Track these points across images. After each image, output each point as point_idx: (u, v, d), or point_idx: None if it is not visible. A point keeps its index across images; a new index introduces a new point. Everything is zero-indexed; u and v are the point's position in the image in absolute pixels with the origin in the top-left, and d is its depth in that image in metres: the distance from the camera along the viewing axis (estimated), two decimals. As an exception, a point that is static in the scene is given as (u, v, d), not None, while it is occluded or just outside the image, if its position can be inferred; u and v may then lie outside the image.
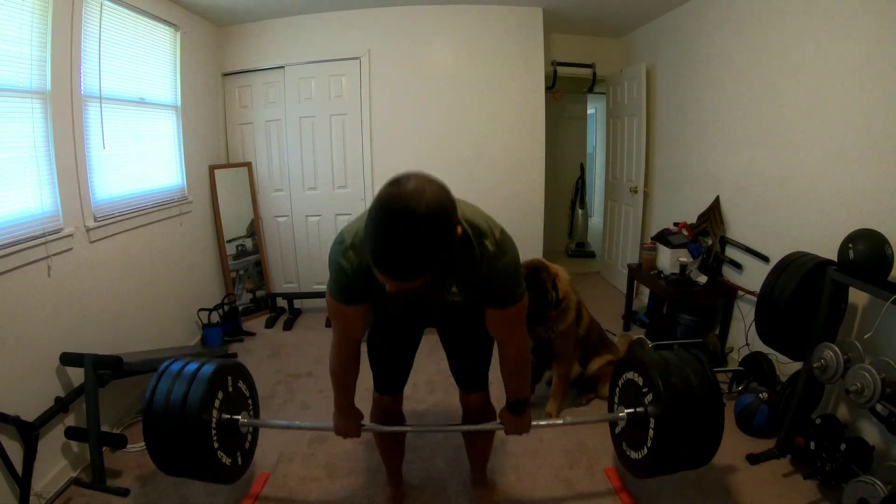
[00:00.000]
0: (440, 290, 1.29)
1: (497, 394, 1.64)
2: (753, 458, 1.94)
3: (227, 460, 1.59)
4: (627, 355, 1.77)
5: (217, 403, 1.56)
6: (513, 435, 1.55)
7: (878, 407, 1.57)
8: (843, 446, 1.74)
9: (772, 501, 1.82)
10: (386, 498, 1.83)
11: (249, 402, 1.79)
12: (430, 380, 2.72)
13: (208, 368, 1.57)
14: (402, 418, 1.74)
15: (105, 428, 2.11)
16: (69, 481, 1.94)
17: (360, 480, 1.97)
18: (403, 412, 1.75)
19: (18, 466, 1.72)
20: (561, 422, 1.74)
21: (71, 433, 1.97)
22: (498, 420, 1.59)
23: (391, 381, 1.64)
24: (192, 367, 1.58)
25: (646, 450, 1.55)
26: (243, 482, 1.95)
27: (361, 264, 1.18)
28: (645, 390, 1.58)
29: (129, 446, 2.12)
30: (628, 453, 1.67)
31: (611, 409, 1.83)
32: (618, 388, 1.78)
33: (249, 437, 1.76)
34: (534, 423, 1.55)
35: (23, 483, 1.70)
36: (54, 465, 1.93)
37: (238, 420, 1.64)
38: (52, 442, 1.92)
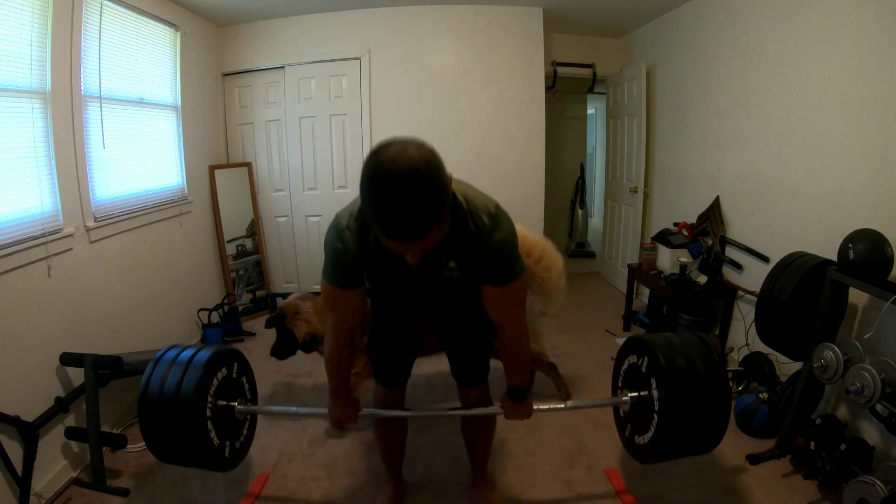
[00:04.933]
0: (439, 266, 1.27)
1: (499, 385, 1.62)
2: (753, 459, 1.94)
3: (222, 447, 1.55)
4: (630, 339, 1.69)
5: (213, 390, 1.53)
6: (513, 420, 1.50)
7: (878, 407, 1.57)
8: (843, 446, 1.74)
9: (772, 501, 1.82)
10: (386, 498, 1.82)
11: (247, 389, 1.74)
12: (430, 380, 2.72)
13: (204, 354, 1.53)
14: None
15: (105, 428, 2.11)
16: (69, 481, 1.94)
17: (360, 480, 1.97)
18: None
19: (18, 466, 1.71)
20: (563, 406, 1.65)
21: (71, 433, 1.97)
22: (498, 405, 1.53)
23: (392, 371, 1.62)
24: (188, 353, 1.55)
25: (650, 433, 1.49)
26: (243, 482, 1.96)
27: (359, 244, 1.19)
28: (648, 373, 1.52)
29: (129, 446, 2.12)
30: (633, 438, 1.60)
31: (614, 394, 1.73)
32: (621, 373, 1.70)
33: (247, 424, 1.72)
34: (535, 406, 1.50)
35: (23, 483, 1.70)
36: (54, 465, 1.93)
37: (234, 406, 1.61)
38: (52, 442, 1.92)
